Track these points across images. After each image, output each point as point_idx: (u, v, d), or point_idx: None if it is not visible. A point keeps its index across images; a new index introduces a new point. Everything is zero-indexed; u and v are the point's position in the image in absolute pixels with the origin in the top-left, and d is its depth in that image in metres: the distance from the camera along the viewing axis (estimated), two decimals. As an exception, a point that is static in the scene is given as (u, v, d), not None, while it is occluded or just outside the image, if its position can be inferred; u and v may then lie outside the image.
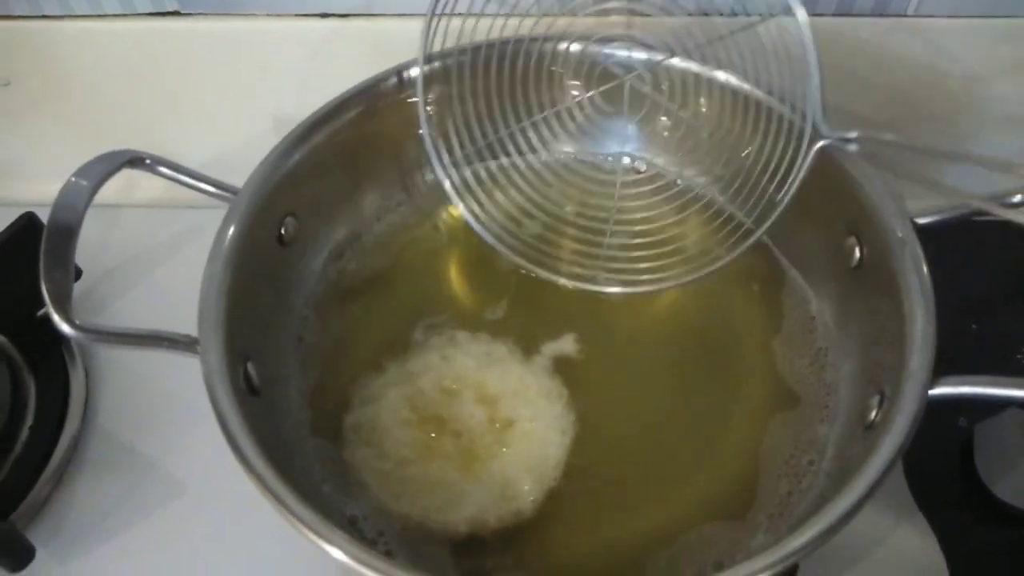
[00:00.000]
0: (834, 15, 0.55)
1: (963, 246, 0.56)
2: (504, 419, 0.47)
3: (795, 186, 0.46)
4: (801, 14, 0.44)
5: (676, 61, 0.50)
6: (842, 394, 0.44)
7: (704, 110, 0.51)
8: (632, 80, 0.51)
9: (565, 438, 0.46)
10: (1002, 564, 0.47)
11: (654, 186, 0.51)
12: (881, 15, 0.54)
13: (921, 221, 0.42)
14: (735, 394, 0.47)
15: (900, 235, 0.41)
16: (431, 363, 0.49)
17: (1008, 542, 0.48)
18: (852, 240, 0.46)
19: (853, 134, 0.44)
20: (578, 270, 0.51)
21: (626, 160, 0.56)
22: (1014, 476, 0.47)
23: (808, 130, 0.45)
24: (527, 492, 0.44)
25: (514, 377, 0.48)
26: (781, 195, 0.46)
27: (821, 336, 0.48)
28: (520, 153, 0.52)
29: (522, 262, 0.51)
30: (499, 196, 0.52)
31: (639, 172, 0.56)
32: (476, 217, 0.51)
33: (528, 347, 0.49)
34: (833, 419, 0.44)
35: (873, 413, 0.40)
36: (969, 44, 0.55)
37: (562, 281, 0.51)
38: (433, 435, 0.46)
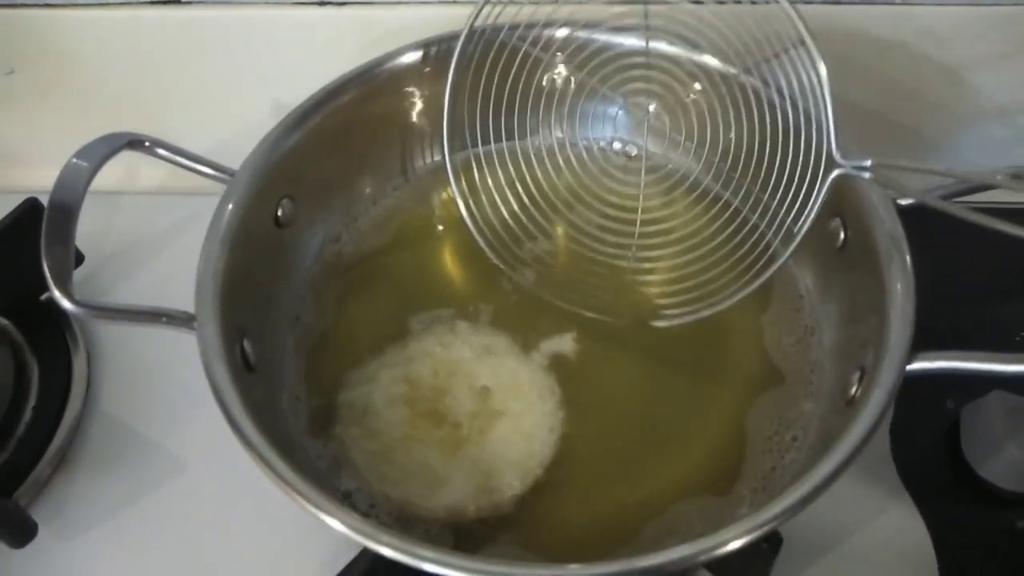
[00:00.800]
0: (823, 3, 0.55)
1: (962, 231, 0.58)
2: (495, 411, 0.47)
3: (812, 215, 0.45)
4: (822, 69, 0.44)
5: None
6: (826, 371, 0.45)
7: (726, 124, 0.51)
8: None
9: (552, 435, 0.47)
10: (987, 544, 0.48)
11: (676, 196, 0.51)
12: (870, 3, 0.55)
13: (903, 203, 0.43)
14: (723, 372, 0.48)
15: (882, 216, 0.42)
16: (427, 349, 0.49)
17: (993, 522, 0.48)
18: (836, 222, 0.46)
19: (868, 162, 0.43)
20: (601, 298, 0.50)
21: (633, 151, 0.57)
22: (999, 457, 0.47)
23: (823, 160, 0.45)
24: (508, 486, 0.45)
25: (508, 371, 0.49)
26: (799, 225, 0.46)
27: (808, 315, 0.49)
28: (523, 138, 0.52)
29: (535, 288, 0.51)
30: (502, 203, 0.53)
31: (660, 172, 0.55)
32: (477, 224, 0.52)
33: (527, 342, 0.50)
34: (817, 395, 0.45)
35: (854, 389, 0.41)
36: (958, 31, 0.56)
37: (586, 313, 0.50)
38: (423, 420, 0.47)
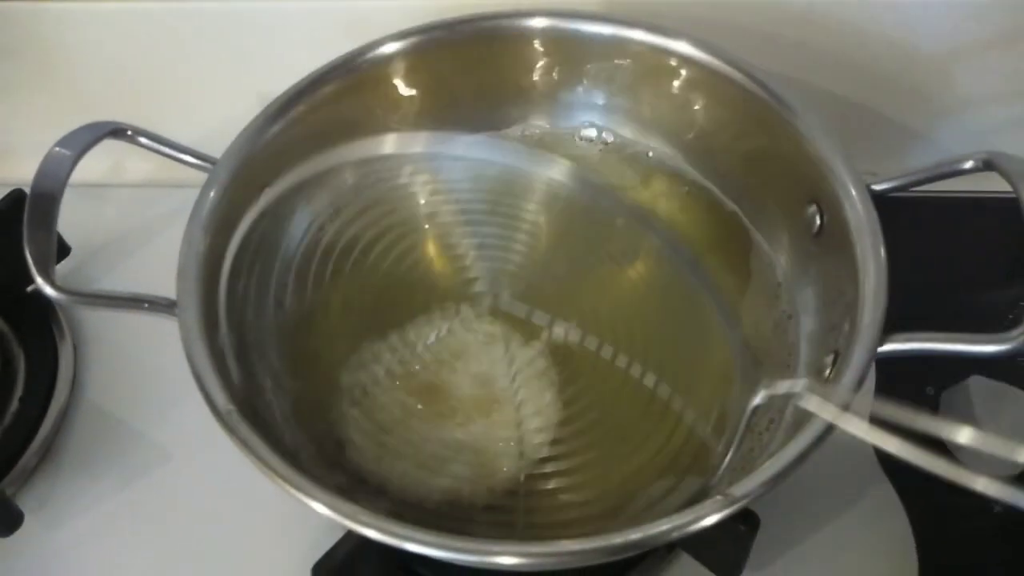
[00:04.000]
0: (805, -7, 0.56)
1: (948, 216, 0.58)
2: (493, 398, 0.48)
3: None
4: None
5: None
6: (802, 355, 0.46)
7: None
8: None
9: (549, 422, 0.47)
10: (966, 528, 0.48)
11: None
12: (853, -7, 0.56)
13: (878, 188, 0.44)
14: (702, 356, 0.49)
15: (856, 200, 0.42)
16: (420, 333, 0.50)
17: (972, 507, 0.48)
18: (813, 208, 0.47)
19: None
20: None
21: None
22: (978, 442, 0.48)
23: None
24: (505, 472, 0.45)
25: (505, 359, 0.49)
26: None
27: (785, 300, 0.49)
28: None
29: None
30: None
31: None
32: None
33: (526, 331, 0.50)
34: (792, 378, 0.45)
35: (827, 371, 0.41)
36: (936, 21, 0.56)
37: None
38: (420, 406, 0.47)
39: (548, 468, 0.45)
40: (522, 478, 0.45)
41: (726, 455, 0.45)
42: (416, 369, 0.49)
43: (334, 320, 0.51)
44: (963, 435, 0.34)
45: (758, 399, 0.45)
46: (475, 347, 0.50)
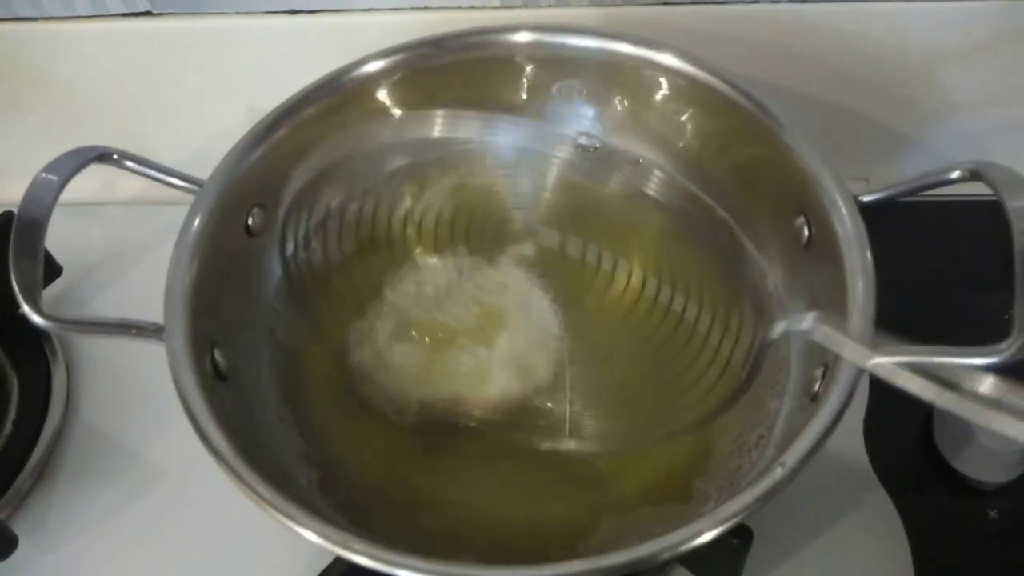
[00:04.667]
0: (790, 2, 0.56)
1: (939, 225, 0.58)
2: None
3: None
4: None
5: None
6: (792, 369, 0.46)
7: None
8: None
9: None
10: (961, 534, 0.48)
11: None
12: (837, 1, 0.55)
13: (866, 199, 0.44)
14: (691, 369, 0.48)
15: (843, 212, 0.42)
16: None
17: (967, 513, 0.49)
18: (801, 219, 0.47)
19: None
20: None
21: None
22: (972, 449, 0.48)
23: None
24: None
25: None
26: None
27: (777, 311, 0.49)
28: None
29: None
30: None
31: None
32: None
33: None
34: (783, 394, 0.45)
35: (817, 385, 0.41)
36: (928, 27, 0.56)
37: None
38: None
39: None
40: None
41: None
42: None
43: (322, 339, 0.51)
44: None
45: (775, 334, 0.46)
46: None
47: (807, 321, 0.43)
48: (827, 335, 0.40)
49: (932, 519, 0.48)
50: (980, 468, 0.48)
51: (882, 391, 0.50)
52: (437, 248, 0.54)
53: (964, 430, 0.48)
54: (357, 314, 0.52)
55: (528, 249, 0.54)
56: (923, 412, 0.51)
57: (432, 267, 0.53)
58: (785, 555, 0.48)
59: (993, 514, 0.48)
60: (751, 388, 0.46)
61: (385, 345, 0.50)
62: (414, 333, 0.51)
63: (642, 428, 0.47)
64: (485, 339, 0.50)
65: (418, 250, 0.54)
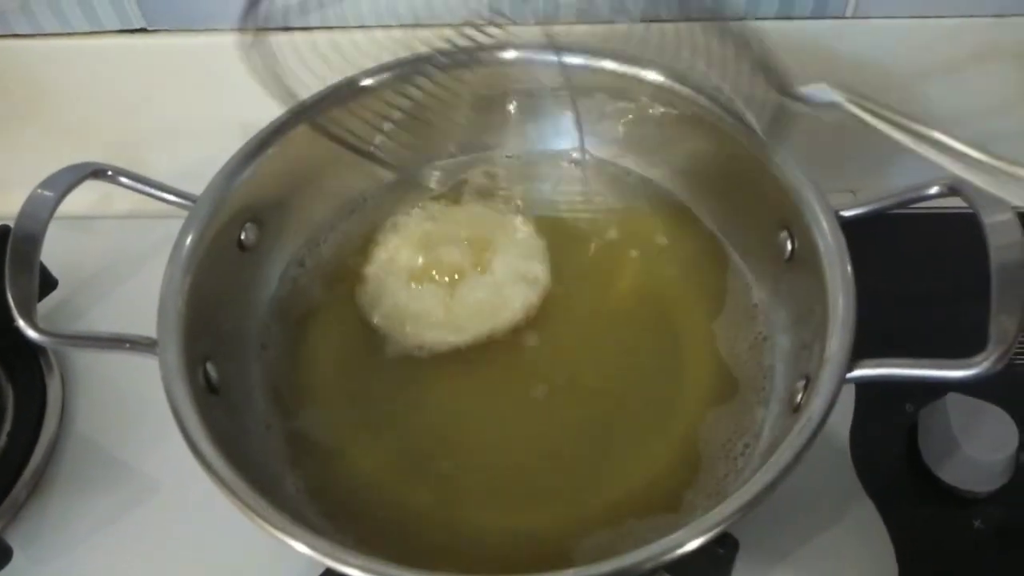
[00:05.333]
0: (775, 18, 0.56)
1: (923, 238, 0.59)
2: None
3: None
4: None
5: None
6: (777, 378, 0.46)
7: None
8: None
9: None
10: (946, 544, 0.49)
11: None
12: (821, 17, 0.56)
13: (846, 214, 0.44)
14: (677, 379, 0.49)
15: (825, 227, 0.43)
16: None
17: (952, 522, 0.49)
18: (784, 234, 0.48)
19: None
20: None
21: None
22: (956, 459, 0.48)
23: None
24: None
25: None
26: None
27: (761, 323, 0.50)
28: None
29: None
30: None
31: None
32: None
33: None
34: (768, 402, 0.46)
35: (799, 396, 0.42)
36: (909, 43, 0.57)
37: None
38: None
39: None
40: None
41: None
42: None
43: (312, 356, 0.52)
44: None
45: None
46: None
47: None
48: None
49: (917, 528, 0.49)
50: (965, 478, 0.49)
51: (868, 402, 0.51)
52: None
53: (948, 440, 0.49)
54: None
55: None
56: (908, 423, 0.52)
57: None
58: (771, 564, 0.48)
59: (978, 523, 0.49)
60: (737, 393, 0.47)
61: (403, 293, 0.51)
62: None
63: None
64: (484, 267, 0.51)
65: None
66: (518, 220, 0.53)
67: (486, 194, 0.55)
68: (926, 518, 0.49)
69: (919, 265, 0.60)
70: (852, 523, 0.49)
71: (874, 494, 0.50)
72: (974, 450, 0.48)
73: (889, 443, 0.52)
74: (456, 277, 0.50)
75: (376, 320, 0.51)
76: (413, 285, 0.51)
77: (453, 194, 0.56)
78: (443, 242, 0.51)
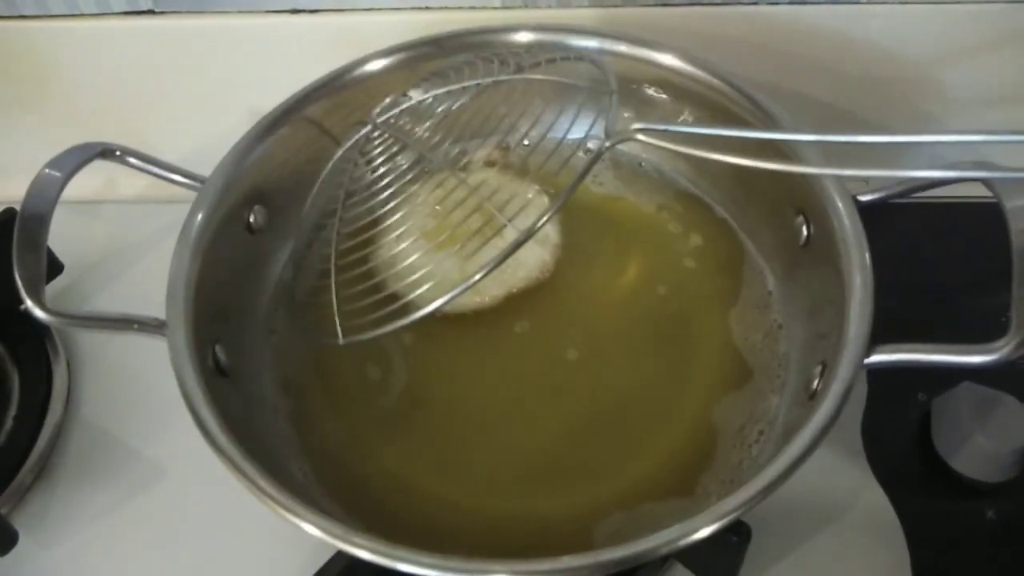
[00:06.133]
0: (789, 3, 0.56)
1: (938, 225, 0.58)
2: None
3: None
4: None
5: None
6: (792, 365, 0.46)
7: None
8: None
9: None
10: (958, 534, 0.48)
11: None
12: (835, 2, 0.56)
13: (863, 199, 0.44)
14: (693, 365, 0.49)
15: (842, 212, 0.42)
16: None
17: (964, 512, 0.49)
18: (800, 219, 0.47)
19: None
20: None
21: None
22: (969, 448, 0.48)
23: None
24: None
25: None
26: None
27: (776, 310, 0.49)
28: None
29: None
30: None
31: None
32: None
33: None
34: (783, 389, 0.45)
35: (816, 382, 0.41)
36: (921, 29, 0.57)
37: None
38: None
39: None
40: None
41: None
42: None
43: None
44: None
45: None
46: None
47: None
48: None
49: (929, 518, 0.48)
50: (977, 468, 0.48)
51: (880, 391, 0.51)
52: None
53: (961, 430, 0.48)
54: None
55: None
56: (921, 412, 0.51)
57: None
58: (783, 553, 0.48)
59: (990, 513, 0.48)
60: (752, 380, 0.46)
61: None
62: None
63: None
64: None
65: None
66: (527, 183, 0.52)
67: (497, 165, 0.54)
68: (938, 508, 0.49)
69: (932, 253, 0.59)
70: (864, 512, 0.49)
71: (886, 484, 0.49)
72: (988, 440, 0.47)
73: (902, 432, 0.51)
74: (469, 240, 0.48)
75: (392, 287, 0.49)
76: (427, 249, 0.50)
77: (463, 166, 0.55)
78: (454, 206, 0.50)
